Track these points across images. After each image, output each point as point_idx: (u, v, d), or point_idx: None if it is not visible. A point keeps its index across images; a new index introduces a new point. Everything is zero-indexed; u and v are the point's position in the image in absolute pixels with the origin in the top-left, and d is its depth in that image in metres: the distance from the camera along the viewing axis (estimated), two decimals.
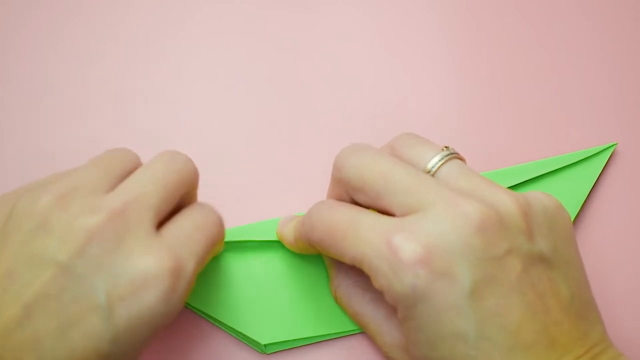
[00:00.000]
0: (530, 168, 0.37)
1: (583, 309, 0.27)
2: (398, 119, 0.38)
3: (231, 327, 0.33)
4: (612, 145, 0.38)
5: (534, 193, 0.28)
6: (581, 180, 0.37)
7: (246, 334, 0.33)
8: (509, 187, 0.36)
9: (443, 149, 0.29)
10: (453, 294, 0.25)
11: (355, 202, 0.30)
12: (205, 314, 0.33)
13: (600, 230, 0.37)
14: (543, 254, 0.27)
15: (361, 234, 0.27)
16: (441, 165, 0.29)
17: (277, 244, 0.34)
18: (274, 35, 0.40)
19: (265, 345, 0.33)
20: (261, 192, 0.37)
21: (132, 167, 0.29)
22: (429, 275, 0.25)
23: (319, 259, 0.35)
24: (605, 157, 0.37)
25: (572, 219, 0.36)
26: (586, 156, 0.37)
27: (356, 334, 0.34)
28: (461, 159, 0.29)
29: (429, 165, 0.29)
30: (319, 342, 0.34)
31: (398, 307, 0.26)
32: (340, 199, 0.30)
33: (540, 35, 0.41)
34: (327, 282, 0.34)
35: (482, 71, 0.40)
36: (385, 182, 0.28)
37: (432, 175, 0.29)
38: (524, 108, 0.39)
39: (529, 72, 0.40)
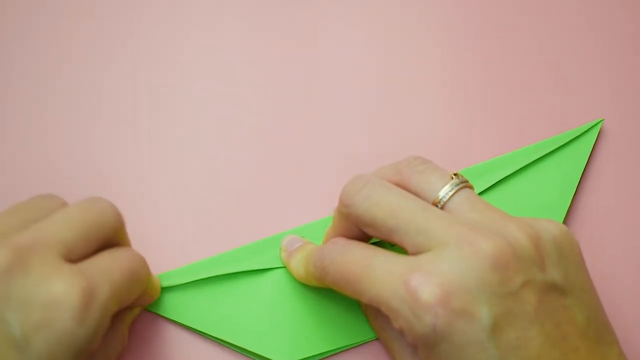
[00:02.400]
0: (521, 155, 0.37)
1: (599, 332, 0.28)
2: (398, 124, 0.39)
3: (251, 352, 0.33)
4: (599, 122, 0.38)
5: (541, 221, 0.28)
6: (573, 160, 0.37)
7: (268, 356, 0.33)
8: (503, 179, 0.36)
9: (452, 177, 0.29)
10: (473, 331, 0.25)
11: (365, 234, 0.30)
12: (223, 341, 0.34)
13: (596, 209, 0.37)
14: (556, 283, 0.27)
15: (377, 276, 0.27)
16: (451, 196, 0.29)
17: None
18: (274, 53, 0.40)
19: None
20: (261, 206, 0.37)
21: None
22: (448, 314, 0.25)
23: None
24: (594, 134, 0.38)
25: (569, 200, 0.36)
26: (575, 136, 0.37)
27: (372, 340, 0.34)
28: (470, 187, 0.29)
29: (440, 196, 0.29)
30: (338, 353, 0.34)
31: (419, 347, 0.27)
32: (348, 230, 0.31)
33: (521, 13, 0.41)
34: (338, 294, 0.34)
35: (465, 56, 0.40)
36: (396, 220, 0.28)
37: (442, 206, 0.29)
38: (506, 94, 0.39)
39: (510, 56, 0.40)
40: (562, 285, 0.27)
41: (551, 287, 0.27)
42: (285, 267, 0.35)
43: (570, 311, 0.27)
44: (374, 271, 0.27)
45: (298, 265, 0.32)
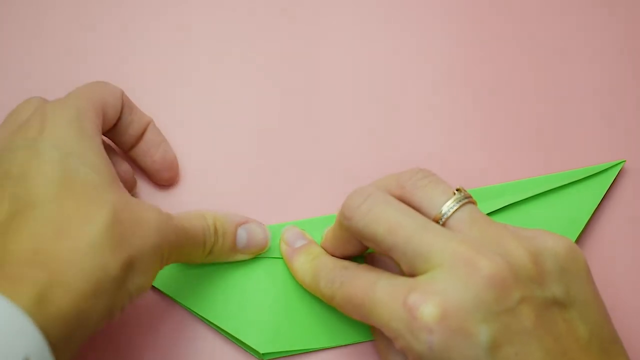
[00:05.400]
0: (536, 183, 0.37)
1: (604, 345, 0.27)
2: (406, 130, 0.38)
3: (233, 336, 0.33)
4: (620, 163, 0.37)
5: (544, 237, 0.28)
6: (587, 197, 0.36)
7: (246, 342, 0.33)
8: (514, 203, 0.36)
9: (454, 193, 0.29)
10: (471, 349, 0.26)
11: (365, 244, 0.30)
12: (206, 319, 0.34)
13: (605, 248, 0.36)
14: (556, 298, 0.27)
15: (378, 298, 0.28)
16: (454, 212, 0.29)
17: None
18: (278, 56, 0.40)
19: (263, 354, 0.33)
20: (263, 197, 0.37)
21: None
22: (445, 333, 0.26)
23: None
24: (612, 174, 0.37)
25: (577, 235, 0.36)
26: (593, 173, 0.37)
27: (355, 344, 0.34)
28: (473, 202, 0.29)
29: (442, 211, 0.29)
30: (317, 351, 0.34)
31: None
32: (348, 240, 0.31)
33: (548, 49, 0.41)
34: None
35: (490, 85, 0.40)
36: (395, 238, 0.28)
37: (444, 222, 0.29)
38: (531, 124, 0.39)
39: (536, 88, 0.40)
40: (563, 299, 0.27)
41: (551, 302, 0.27)
42: (280, 258, 0.34)
43: (572, 325, 0.27)
44: (376, 294, 0.28)
45: (304, 271, 0.33)
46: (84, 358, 0.33)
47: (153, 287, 0.34)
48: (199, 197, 0.36)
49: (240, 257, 0.34)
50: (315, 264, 0.32)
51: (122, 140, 0.34)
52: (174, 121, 0.38)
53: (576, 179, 0.37)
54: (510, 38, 0.41)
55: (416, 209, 0.29)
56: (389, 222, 0.28)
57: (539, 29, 0.41)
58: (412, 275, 0.28)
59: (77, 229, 0.26)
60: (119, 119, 0.33)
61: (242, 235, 0.33)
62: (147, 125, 0.35)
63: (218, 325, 0.33)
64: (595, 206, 0.36)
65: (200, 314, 0.33)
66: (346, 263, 0.31)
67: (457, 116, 0.39)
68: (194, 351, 0.33)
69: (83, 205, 0.27)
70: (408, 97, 0.39)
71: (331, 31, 0.40)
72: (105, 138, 0.34)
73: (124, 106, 0.33)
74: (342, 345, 0.34)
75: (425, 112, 0.39)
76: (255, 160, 0.37)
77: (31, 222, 0.26)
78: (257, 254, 0.34)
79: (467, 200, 0.29)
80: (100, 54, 0.39)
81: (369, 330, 0.34)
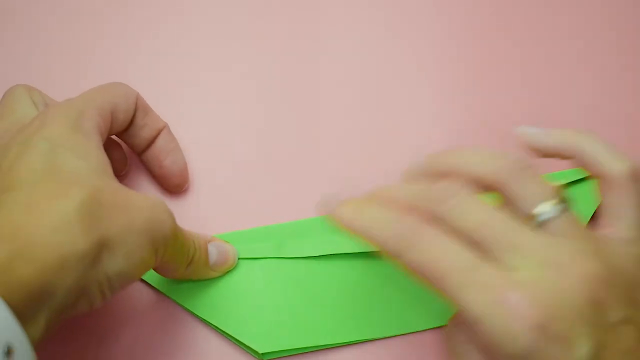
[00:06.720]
0: None
1: None
2: (400, 122, 0.38)
3: (230, 335, 0.33)
4: None
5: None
6: (587, 197, 0.36)
7: (245, 342, 0.33)
8: None
9: (555, 194, 0.27)
10: (569, 358, 0.24)
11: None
12: (205, 320, 0.34)
13: None
14: None
15: (470, 283, 0.25)
16: (553, 215, 0.27)
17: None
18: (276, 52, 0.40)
19: (262, 354, 0.33)
20: (264, 196, 0.37)
21: None
22: (544, 338, 0.24)
23: (321, 268, 0.34)
24: None
25: None
26: None
27: (354, 344, 0.34)
28: (571, 207, 0.27)
29: (541, 212, 0.27)
30: (316, 351, 0.34)
31: None
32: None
33: (548, 50, 0.41)
34: (328, 292, 0.34)
35: (488, 85, 0.40)
36: (491, 231, 0.26)
37: (541, 224, 0.27)
38: (531, 124, 0.38)
39: (535, 88, 0.40)
40: None
41: None
42: (280, 258, 0.35)
43: None
44: (467, 278, 0.25)
45: (360, 214, 0.28)
46: (83, 357, 0.33)
47: (153, 287, 0.34)
48: (206, 201, 0.37)
49: (212, 274, 0.34)
50: (376, 210, 0.27)
51: (134, 143, 0.35)
52: (177, 124, 0.38)
53: (576, 179, 0.36)
54: (509, 38, 0.41)
55: (511, 200, 0.27)
56: (482, 220, 0.26)
57: (539, 29, 0.41)
58: (506, 269, 0.25)
59: (49, 206, 0.25)
60: (132, 121, 0.34)
61: (212, 251, 0.33)
62: (161, 130, 0.35)
63: (217, 325, 0.33)
64: (595, 206, 0.36)
65: (200, 315, 0.34)
66: (419, 225, 0.27)
67: (454, 116, 0.39)
68: (194, 351, 0.34)
69: (63, 187, 0.26)
70: (407, 98, 0.39)
71: (331, 33, 0.40)
72: (119, 140, 0.35)
73: (138, 109, 0.34)
74: (341, 345, 0.34)
75: (424, 113, 0.39)
76: (256, 160, 0.37)
77: (7, 202, 0.26)
78: (226, 271, 0.34)
79: (568, 205, 0.27)
80: (107, 56, 0.39)
81: (369, 329, 0.34)
